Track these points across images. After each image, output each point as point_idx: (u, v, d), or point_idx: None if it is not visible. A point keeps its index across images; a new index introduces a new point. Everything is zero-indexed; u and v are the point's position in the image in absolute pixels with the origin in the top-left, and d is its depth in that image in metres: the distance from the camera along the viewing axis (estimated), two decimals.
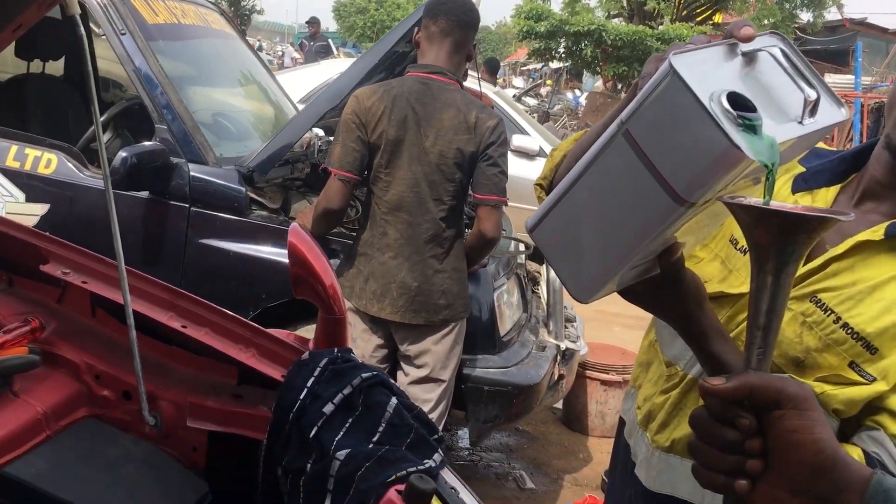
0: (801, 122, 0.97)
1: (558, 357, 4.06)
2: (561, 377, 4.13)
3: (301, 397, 1.42)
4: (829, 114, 1.01)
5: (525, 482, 4.29)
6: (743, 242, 1.30)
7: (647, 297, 1.14)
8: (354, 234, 3.35)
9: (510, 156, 3.96)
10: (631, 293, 1.13)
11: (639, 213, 0.96)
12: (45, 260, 1.63)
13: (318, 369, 1.46)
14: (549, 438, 4.94)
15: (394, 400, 1.44)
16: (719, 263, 1.33)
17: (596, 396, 4.81)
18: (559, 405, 5.06)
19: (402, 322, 3.10)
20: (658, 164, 0.92)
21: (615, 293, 1.12)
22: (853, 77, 14.90)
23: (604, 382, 4.79)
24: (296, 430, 1.40)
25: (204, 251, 3.66)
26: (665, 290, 1.12)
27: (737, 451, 0.87)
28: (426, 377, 3.21)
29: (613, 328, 6.63)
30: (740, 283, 1.29)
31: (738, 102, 0.89)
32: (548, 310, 4.32)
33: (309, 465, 1.36)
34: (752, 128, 0.88)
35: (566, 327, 4.37)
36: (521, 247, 4.30)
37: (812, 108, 0.97)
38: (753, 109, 0.90)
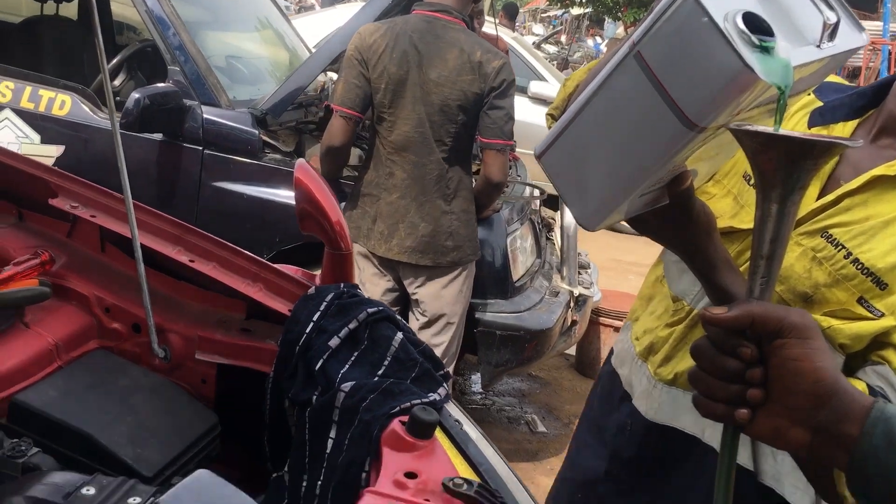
0: (818, 46, 0.94)
1: (571, 303, 4.06)
2: (574, 323, 4.14)
3: (307, 331, 1.43)
4: (849, 38, 0.98)
5: (537, 426, 4.34)
6: None
7: (655, 226, 1.13)
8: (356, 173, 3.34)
9: (528, 103, 3.93)
10: (639, 222, 1.12)
11: (648, 138, 0.94)
12: (54, 194, 1.64)
13: (325, 304, 1.46)
14: (562, 384, 4.97)
15: (399, 335, 1.45)
16: (731, 199, 1.32)
17: (609, 343, 4.82)
18: (572, 351, 5.09)
19: (409, 263, 3.10)
20: (669, 87, 0.90)
21: (623, 223, 1.11)
22: (881, 24, 14.51)
23: (617, 329, 4.79)
24: (302, 362, 1.41)
25: (218, 194, 3.67)
26: (674, 220, 1.10)
27: (738, 381, 0.87)
28: (435, 320, 3.22)
29: (628, 276, 6.61)
30: (751, 219, 1.27)
31: (754, 23, 0.86)
32: (561, 256, 4.31)
33: (315, 397, 1.37)
34: (766, 49, 0.86)
35: (580, 274, 4.36)
36: (536, 192, 4.27)
37: (831, 31, 0.94)
38: (769, 31, 0.87)
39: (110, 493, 1.06)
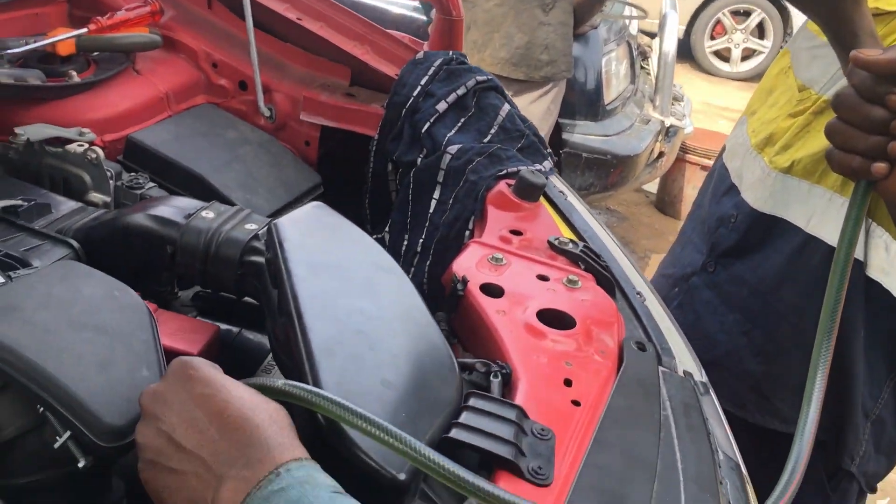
0: None
1: (661, 133, 3.95)
2: (661, 154, 4.04)
3: (415, 94, 1.41)
4: None
5: None
6: None
7: None
8: None
9: None
10: None
11: None
12: None
13: (433, 68, 1.43)
14: (640, 220, 4.93)
15: (506, 105, 1.42)
16: None
17: (693, 181, 4.70)
18: (654, 189, 5.01)
19: (500, 75, 3.02)
20: None
21: None
22: None
23: (703, 168, 4.66)
24: (408, 125, 1.40)
25: None
26: None
27: (880, 132, 0.82)
28: None
29: (718, 121, 6.37)
30: None
31: None
32: (656, 85, 4.14)
33: (419, 159, 1.37)
34: None
35: (673, 105, 4.21)
36: (636, 12, 4.06)
37: None
38: None
39: (228, 218, 1.09)
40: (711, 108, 6.71)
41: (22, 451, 0.79)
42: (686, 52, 7.69)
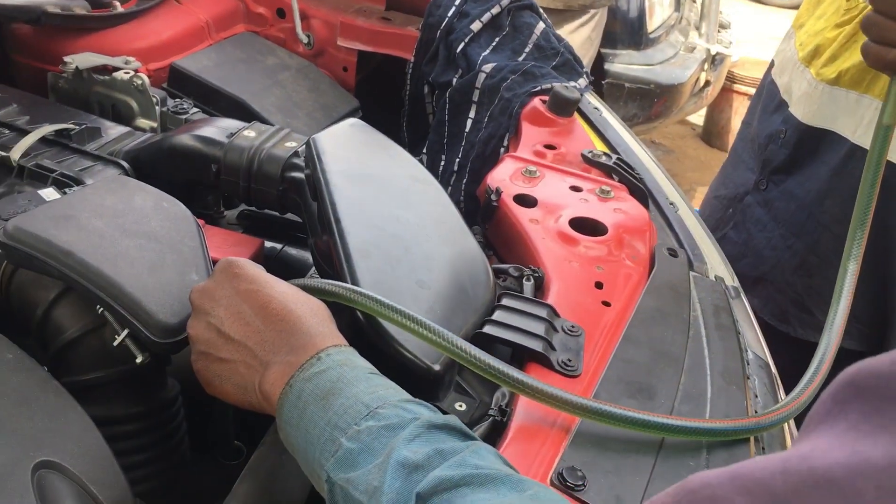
0: None
1: (707, 62, 3.86)
2: (707, 84, 3.96)
3: (449, 14, 1.42)
4: None
5: None
6: None
7: None
8: None
9: None
10: None
11: None
12: None
13: None
14: (686, 153, 4.86)
15: (541, 24, 1.42)
16: None
17: (741, 112, 4.60)
18: (700, 121, 4.92)
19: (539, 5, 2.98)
20: None
21: None
22: None
23: (751, 98, 4.55)
24: (443, 46, 1.42)
25: None
26: None
27: None
28: None
29: (767, 49, 6.19)
30: None
31: None
32: (701, 11, 4.04)
33: (455, 79, 1.38)
34: None
35: (719, 31, 4.10)
36: None
37: None
38: None
39: (269, 136, 1.13)
40: (761, 37, 6.51)
41: (84, 350, 0.85)
42: None
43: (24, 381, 0.77)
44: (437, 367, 0.77)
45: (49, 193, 1.02)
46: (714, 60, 3.92)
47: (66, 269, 0.80)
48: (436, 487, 0.53)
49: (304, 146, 1.10)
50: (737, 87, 4.51)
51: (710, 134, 4.85)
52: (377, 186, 0.98)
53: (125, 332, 0.80)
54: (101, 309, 0.81)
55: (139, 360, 0.80)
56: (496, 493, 0.53)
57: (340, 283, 0.78)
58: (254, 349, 0.70)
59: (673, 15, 3.86)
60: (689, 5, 4.22)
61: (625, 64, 3.50)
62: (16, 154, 1.07)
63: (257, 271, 0.76)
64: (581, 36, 3.12)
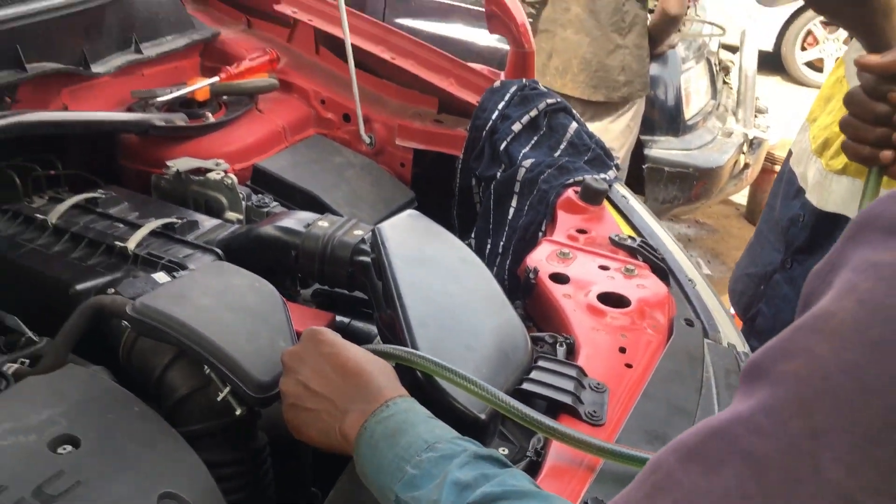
0: None
1: (745, 145, 4.02)
2: (746, 166, 4.11)
3: (493, 117, 1.62)
4: None
5: (701, 268, 4.37)
6: None
7: (833, 6, 1.19)
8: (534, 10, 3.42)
9: None
10: (817, 3, 1.19)
11: None
12: (277, 0, 1.89)
13: (509, 95, 1.64)
14: (730, 231, 4.97)
15: (574, 124, 1.61)
16: None
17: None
18: (743, 200, 5.04)
19: (581, 98, 3.20)
20: None
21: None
22: None
23: None
24: (488, 144, 1.61)
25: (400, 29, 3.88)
26: (852, 1, 1.16)
27: (885, 124, 0.97)
28: None
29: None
30: None
31: None
32: (738, 98, 4.23)
33: (499, 173, 1.57)
34: None
35: (756, 117, 4.27)
36: (715, 30, 4.16)
37: None
38: None
39: (339, 226, 1.33)
40: (799, 118, 6.64)
41: (193, 405, 1.03)
42: (777, 64, 7.66)
43: (148, 428, 0.95)
44: (483, 417, 0.93)
45: (161, 277, 1.22)
46: (752, 144, 4.08)
47: (183, 337, 0.99)
48: (482, 500, 0.69)
49: (369, 234, 1.29)
50: (777, 167, 4.64)
51: (754, 213, 4.96)
52: (431, 267, 1.16)
53: (227, 388, 0.98)
54: (209, 370, 0.99)
55: (238, 412, 0.98)
56: (530, 503, 0.68)
57: (403, 348, 0.95)
58: (334, 400, 0.87)
59: (710, 102, 4.05)
60: (727, 93, 4.42)
61: (663, 149, 3.69)
62: (131, 244, 1.29)
63: (336, 338, 0.94)
64: (621, 125, 3.32)
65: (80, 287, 1.21)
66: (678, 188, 3.74)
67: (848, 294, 0.42)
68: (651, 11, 3.39)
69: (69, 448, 0.89)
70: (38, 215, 1.34)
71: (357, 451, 0.82)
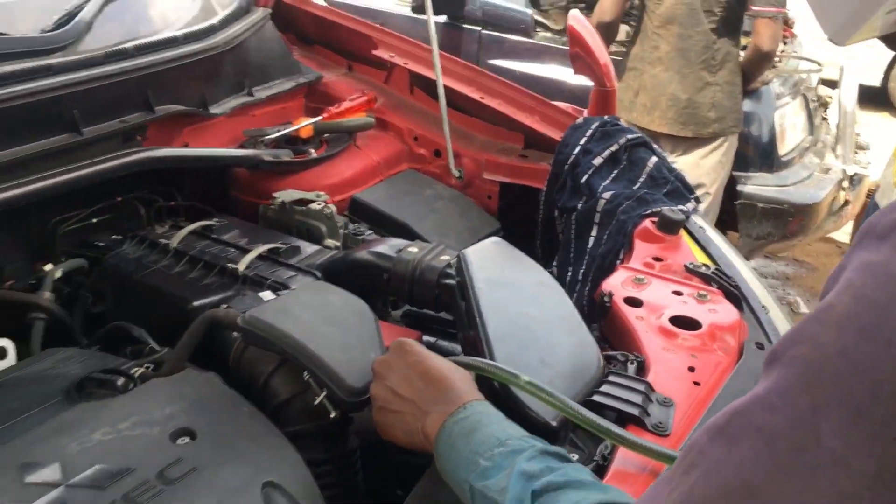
0: None
1: (845, 182, 3.94)
2: (846, 203, 4.02)
3: (575, 152, 1.71)
4: None
5: (799, 307, 4.31)
6: None
7: None
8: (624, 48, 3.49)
9: None
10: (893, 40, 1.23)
11: None
12: (375, 46, 2.05)
13: (590, 131, 1.72)
14: (830, 270, 4.84)
15: (654, 158, 1.68)
16: None
17: None
18: (845, 238, 4.91)
19: (670, 134, 3.24)
20: None
21: None
22: None
23: None
24: (570, 177, 1.70)
25: (493, 71, 4.01)
26: None
27: None
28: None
29: None
30: None
31: None
32: (837, 133, 4.16)
33: (580, 205, 1.65)
34: None
35: (856, 153, 4.19)
36: (812, 66, 4.12)
37: None
38: None
39: (428, 251, 1.43)
40: None
41: (293, 409, 1.14)
42: (884, 99, 7.43)
43: (255, 426, 1.07)
44: (554, 423, 1.00)
45: (266, 295, 1.36)
46: (852, 180, 4.00)
47: (286, 346, 1.11)
48: (546, 488, 0.77)
49: (455, 258, 1.39)
50: None
51: None
52: (511, 289, 1.25)
53: (324, 393, 1.09)
54: (307, 376, 1.10)
55: (332, 415, 1.09)
56: (587, 493, 0.76)
57: (481, 359, 1.04)
58: (418, 403, 0.97)
59: (807, 138, 4.00)
60: (825, 129, 4.35)
61: (757, 185, 3.66)
62: (241, 266, 1.43)
63: (421, 348, 1.04)
64: (713, 160, 3.33)
65: (197, 303, 1.35)
66: (773, 224, 3.69)
67: (846, 290, 0.49)
68: (744, 48, 3.40)
69: (187, 439, 1.02)
70: (161, 240, 1.51)
71: (437, 448, 0.91)
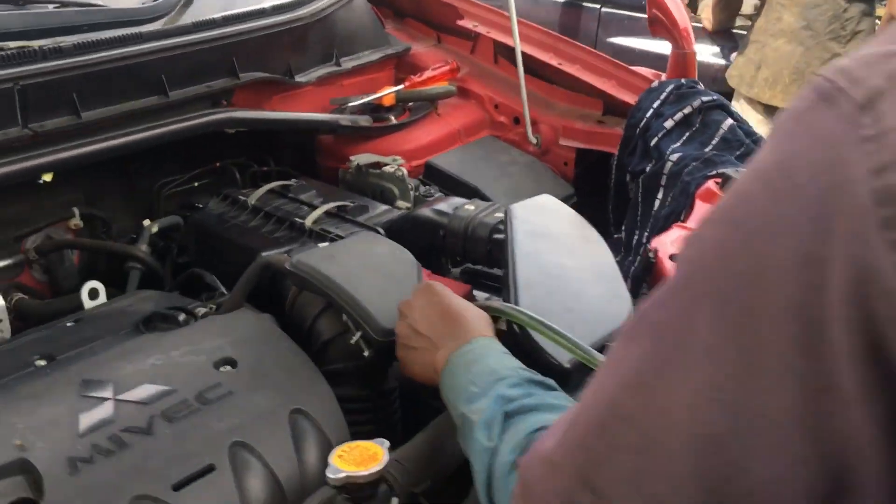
0: None
1: None
2: None
3: (648, 115, 1.68)
4: None
5: None
6: None
7: None
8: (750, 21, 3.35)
9: None
10: None
11: None
12: (461, 16, 2.09)
13: (664, 94, 1.69)
14: None
15: (729, 120, 1.63)
16: None
17: None
18: None
19: None
20: None
21: None
22: None
23: None
24: (641, 141, 1.68)
25: (611, 49, 3.95)
26: None
27: None
28: None
29: None
30: None
31: None
32: None
33: (648, 168, 1.63)
34: None
35: None
36: None
37: None
38: None
39: (484, 209, 1.46)
40: None
41: (334, 348, 1.21)
42: None
43: (294, 361, 1.14)
44: (567, 365, 1.02)
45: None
46: None
47: (326, 288, 1.18)
48: (517, 410, 0.79)
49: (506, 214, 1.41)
50: None
51: None
52: (550, 241, 1.26)
53: (359, 333, 1.15)
54: (345, 317, 1.17)
55: (366, 353, 1.15)
56: (553, 416, 0.77)
57: (503, 302, 1.07)
58: (433, 339, 1.01)
59: None
60: None
61: None
62: (308, 221, 1.52)
63: (444, 289, 1.08)
64: None
65: (264, 254, 1.45)
66: None
67: (734, 191, 0.49)
68: (879, 18, 3.19)
69: (228, 368, 1.11)
70: (241, 197, 1.62)
71: (441, 380, 0.95)
